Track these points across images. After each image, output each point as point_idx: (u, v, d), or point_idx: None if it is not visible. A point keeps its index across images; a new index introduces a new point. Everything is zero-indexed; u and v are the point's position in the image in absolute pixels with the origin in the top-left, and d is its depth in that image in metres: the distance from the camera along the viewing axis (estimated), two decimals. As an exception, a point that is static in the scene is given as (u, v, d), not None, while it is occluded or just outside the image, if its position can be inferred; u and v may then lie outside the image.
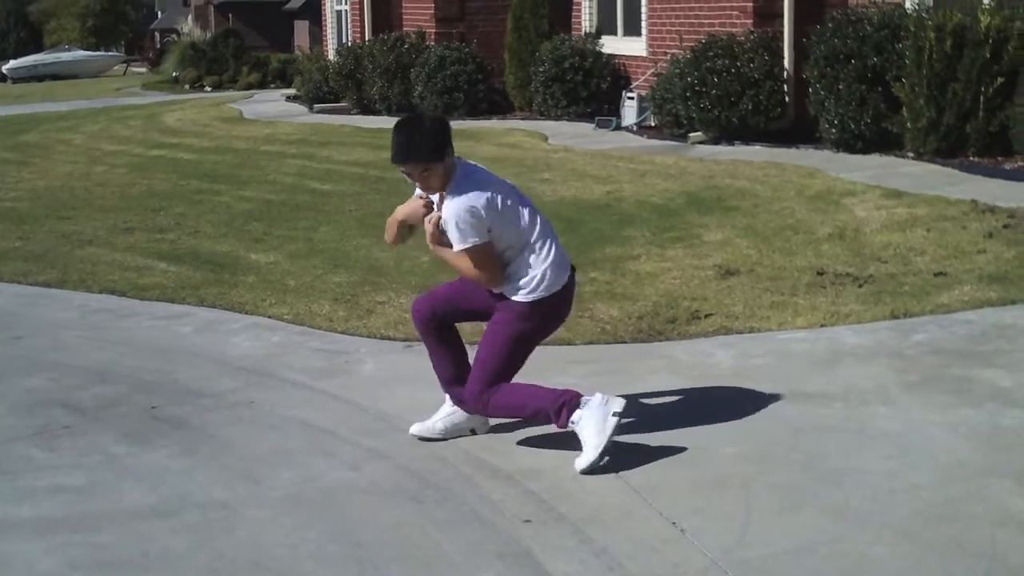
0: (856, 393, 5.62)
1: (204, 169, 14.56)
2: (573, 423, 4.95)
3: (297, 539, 4.37)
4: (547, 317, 5.19)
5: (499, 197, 5.05)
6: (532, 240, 5.10)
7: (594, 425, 4.90)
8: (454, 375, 5.35)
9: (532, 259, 5.08)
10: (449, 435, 5.29)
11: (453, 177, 5.06)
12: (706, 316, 7.10)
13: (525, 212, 5.12)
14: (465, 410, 5.28)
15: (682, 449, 5.06)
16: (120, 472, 5.07)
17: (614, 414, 4.91)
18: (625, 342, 6.76)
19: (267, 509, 4.65)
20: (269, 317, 7.59)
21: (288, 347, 6.93)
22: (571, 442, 4.99)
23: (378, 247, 9.43)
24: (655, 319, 7.12)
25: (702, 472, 4.83)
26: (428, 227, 5.16)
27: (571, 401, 4.97)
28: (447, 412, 5.36)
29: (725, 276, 7.94)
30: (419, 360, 5.80)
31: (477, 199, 5.00)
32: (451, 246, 5.08)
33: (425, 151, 4.97)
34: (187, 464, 5.15)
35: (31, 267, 9.30)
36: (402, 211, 5.28)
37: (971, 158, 11.25)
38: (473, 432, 5.32)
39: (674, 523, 4.38)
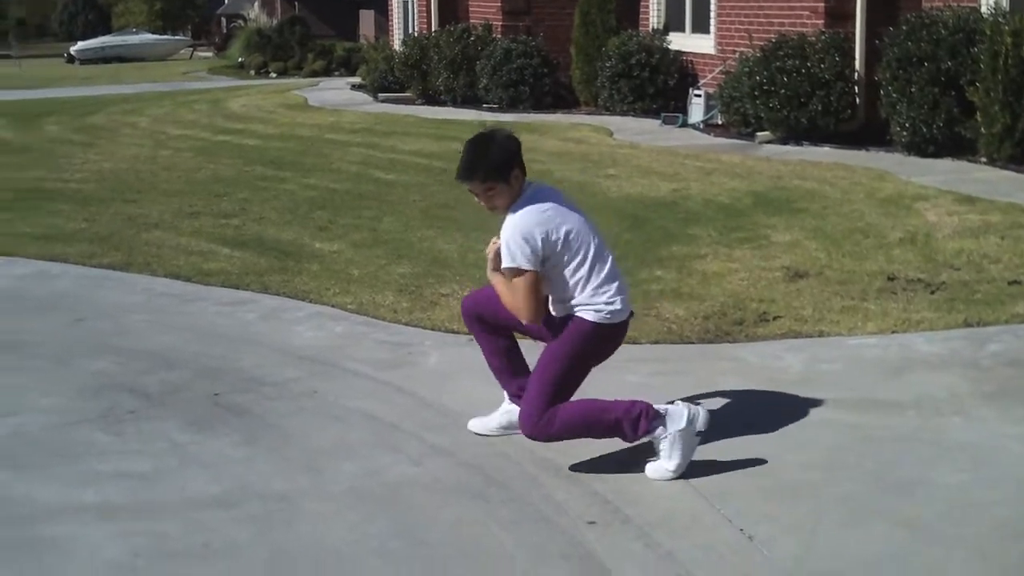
0: (929, 402, 5.50)
1: (269, 156, 14.59)
2: (655, 437, 4.81)
3: (359, 534, 4.33)
4: (605, 340, 4.96)
5: (564, 229, 4.81)
6: (601, 269, 4.88)
7: (682, 446, 4.77)
8: (506, 366, 5.24)
9: (602, 285, 4.86)
10: (508, 431, 5.21)
11: (520, 199, 4.91)
12: (774, 318, 6.99)
13: (593, 244, 4.89)
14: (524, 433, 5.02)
15: (751, 455, 4.96)
16: (184, 460, 5.05)
17: (698, 433, 4.82)
18: (692, 342, 6.67)
19: (329, 502, 4.61)
20: (333, 306, 7.56)
21: (352, 337, 6.90)
22: (633, 445, 4.93)
23: (442, 238, 9.39)
24: (722, 320, 7.03)
25: (771, 479, 4.74)
26: (490, 251, 5.01)
27: (648, 411, 4.80)
28: (505, 409, 5.29)
29: (793, 278, 7.83)
30: (477, 354, 5.73)
31: (536, 227, 4.79)
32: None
33: (489, 170, 4.84)
34: (249, 453, 5.12)
35: (96, 249, 9.33)
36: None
37: (1045, 165, 11.04)
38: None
39: (742, 530, 4.30)
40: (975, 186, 10.42)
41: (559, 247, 4.81)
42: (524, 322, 4.93)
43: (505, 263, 4.84)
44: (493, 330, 5.24)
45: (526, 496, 4.64)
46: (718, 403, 5.59)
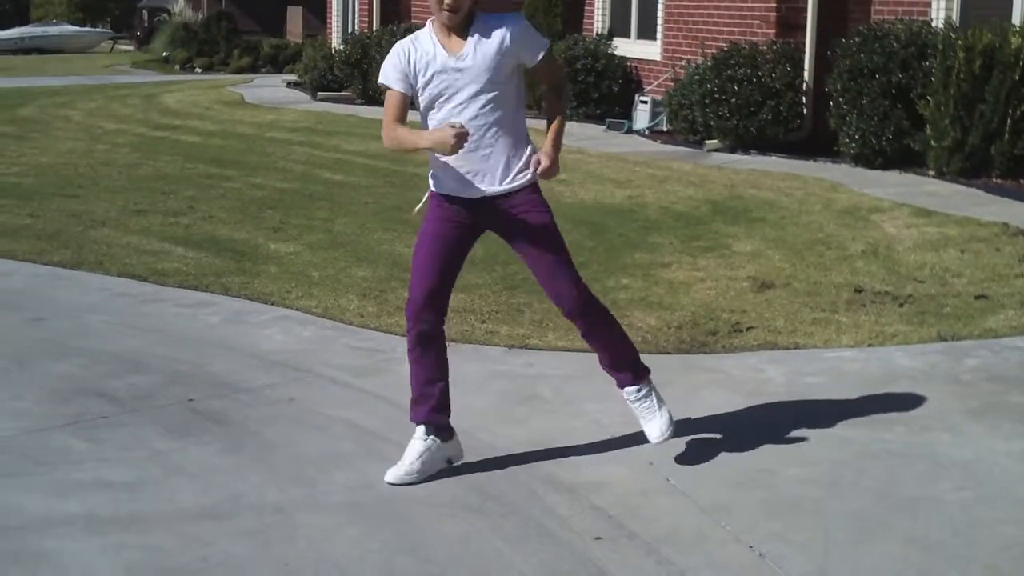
0: (918, 418, 5.48)
1: (210, 153, 14.35)
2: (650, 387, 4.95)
3: (362, 550, 4.19)
4: None
5: None
6: None
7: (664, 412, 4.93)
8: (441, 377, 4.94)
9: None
10: (427, 472, 4.77)
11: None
12: (748, 329, 6.96)
13: None
14: (582, 326, 4.87)
15: (748, 468, 4.90)
16: (168, 468, 4.88)
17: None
18: (668, 352, 6.61)
19: (326, 515, 4.47)
20: (297, 310, 7.40)
21: (322, 342, 6.75)
22: (628, 458, 4.93)
23: (400, 241, 9.25)
24: (695, 330, 6.98)
25: (771, 494, 4.68)
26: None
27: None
28: (421, 448, 4.81)
29: (761, 289, 7.80)
30: (459, 362, 5.61)
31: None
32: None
33: None
34: (235, 462, 4.96)
35: (45, 246, 9.08)
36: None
37: (995, 180, 11.14)
38: (450, 462, 4.87)
39: (751, 547, 4.23)
40: (928, 199, 10.49)
41: None
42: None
43: (544, 47, 4.84)
44: (442, 345, 4.93)
45: (527, 510, 4.53)
46: (710, 417, 5.52)
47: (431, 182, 4.83)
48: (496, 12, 4.73)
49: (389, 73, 4.68)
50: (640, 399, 4.94)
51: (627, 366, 4.97)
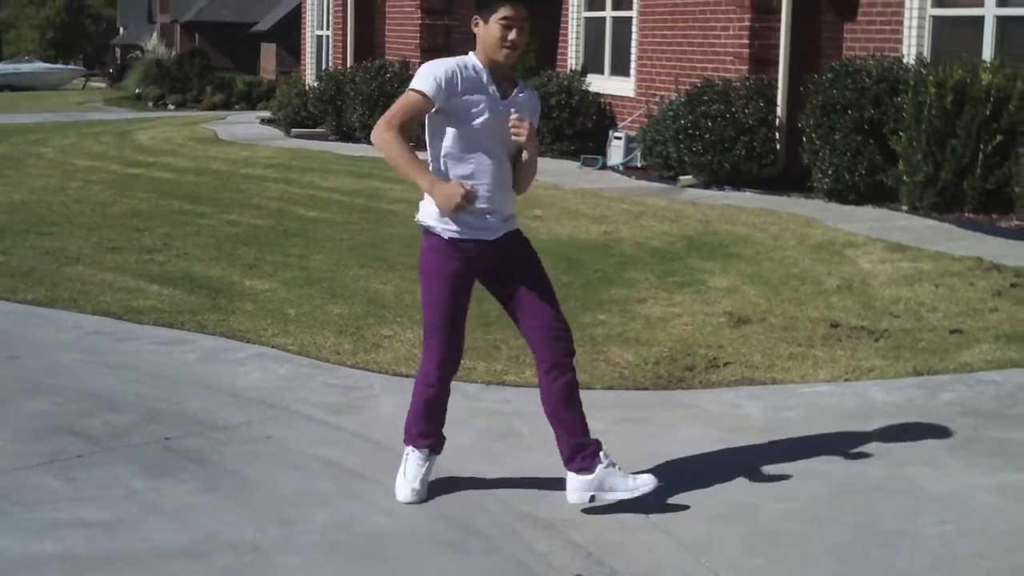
0: (896, 452, 5.49)
1: (184, 190, 14.31)
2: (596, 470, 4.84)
3: (342, 588, 4.17)
4: None
5: None
6: None
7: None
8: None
9: None
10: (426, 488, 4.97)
11: None
12: (725, 364, 6.97)
13: None
14: (561, 370, 4.81)
15: (726, 504, 4.90)
16: (144, 508, 4.83)
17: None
18: (646, 388, 6.61)
19: (304, 554, 4.43)
20: (273, 347, 7.36)
21: (298, 380, 6.72)
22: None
23: (375, 278, 9.24)
24: (673, 365, 6.98)
25: (751, 529, 4.67)
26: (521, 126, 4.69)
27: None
28: (423, 467, 4.99)
29: (737, 324, 7.82)
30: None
31: None
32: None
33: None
34: (211, 501, 4.92)
35: (18, 284, 9.02)
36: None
37: (967, 215, 11.22)
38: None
39: (733, 584, 4.22)
40: (902, 234, 10.55)
41: None
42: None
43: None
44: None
45: (507, 547, 4.51)
46: (684, 451, 5.52)
47: (439, 226, 4.74)
48: None
49: (427, 77, 4.62)
50: (610, 461, 4.86)
51: (589, 441, 4.87)
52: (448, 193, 4.57)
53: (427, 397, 4.92)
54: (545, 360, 4.82)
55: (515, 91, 4.78)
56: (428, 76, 4.62)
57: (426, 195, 4.71)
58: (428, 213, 4.76)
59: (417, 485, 4.92)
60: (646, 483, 4.81)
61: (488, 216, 4.73)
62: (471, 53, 4.77)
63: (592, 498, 4.82)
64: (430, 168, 4.73)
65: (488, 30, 4.67)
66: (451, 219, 4.69)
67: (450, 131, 4.69)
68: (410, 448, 5.00)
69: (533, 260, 4.87)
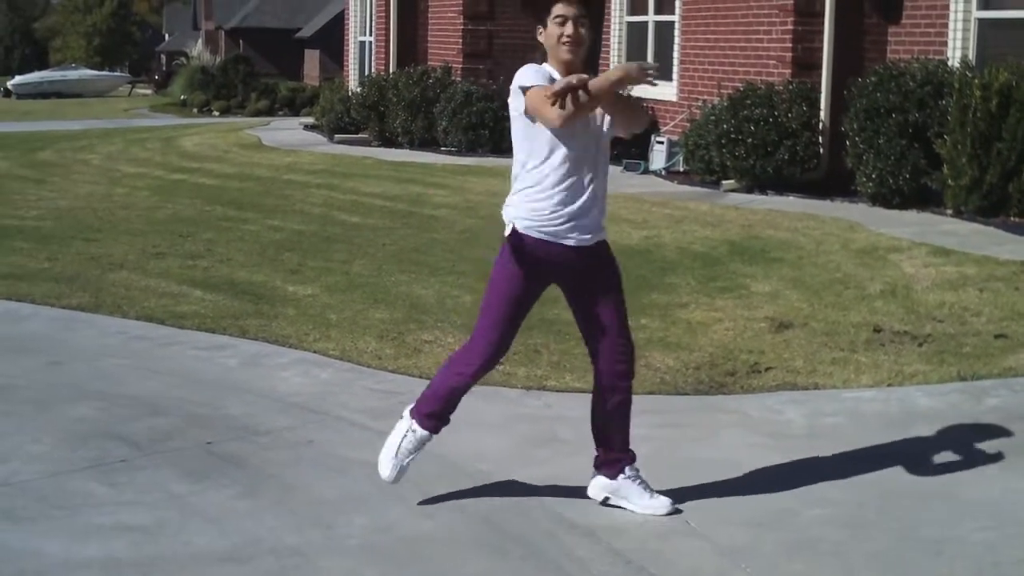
0: (939, 458, 5.45)
1: (228, 196, 14.41)
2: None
3: (381, 592, 4.18)
4: None
5: None
6: None
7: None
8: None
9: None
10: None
11: None
12: (766, 369, 6.94)
13: None
14: (618, 391, 4.89)
15: (768, 511, 4.88)
16: (185, 512, 4.87)
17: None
18: (687, 394, 6.60)
19: (345, 558, 4.45)
20: (315, 352, 7.40)
21: (339, 385, 6.75)
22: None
23: (417, 283, 9.26)
24: (714, 371, 6.96)
25: (792, 535, 4.65)
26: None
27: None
28: (417, 449, 5.02)
29: (779, 329, 7.78)
30: (479, 404, 5.63)
31: None
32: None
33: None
34: (252, 506, 4.95)
35: (63, 289, 9.11)
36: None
37: (1012, 218, 11.11)
38: None
39: (773, 591, 4.20)
40: (946, 238, 10.46)
41: None
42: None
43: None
44: None
45: (546, 552, 4.51)
46: (725, 456, 5.50)
47: (523, 224, 4.72)
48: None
49: (532, 79, 4.56)
50: (637, 475, 4.92)
51: (623, 457, 4.94)
52: (624, 67, 4.52)
53: (455, 384, 4.88)
54: (605, 378, 4.88)
55: None
56: (528, 75, 4.59)
57: (515, 197, 4.73)
58: (520, 214, 4.74)
59: (405, 464, 4.93)
60: (660, 507, 4.87)
61: (576, 222, 4.68)
62: (545, 64, 4.73)
63: (607, 499, 4.93)
64: (518, 170, 4.73)
65: (548, 33, 4.68)
66: (529, 220, 4.68)
67: (543, 136, 4.65)
68: (414, 425, 4.96)
69: (613, 275, 4.85)
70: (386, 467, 4.93)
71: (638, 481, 4.89)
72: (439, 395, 4.94)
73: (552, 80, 4.57)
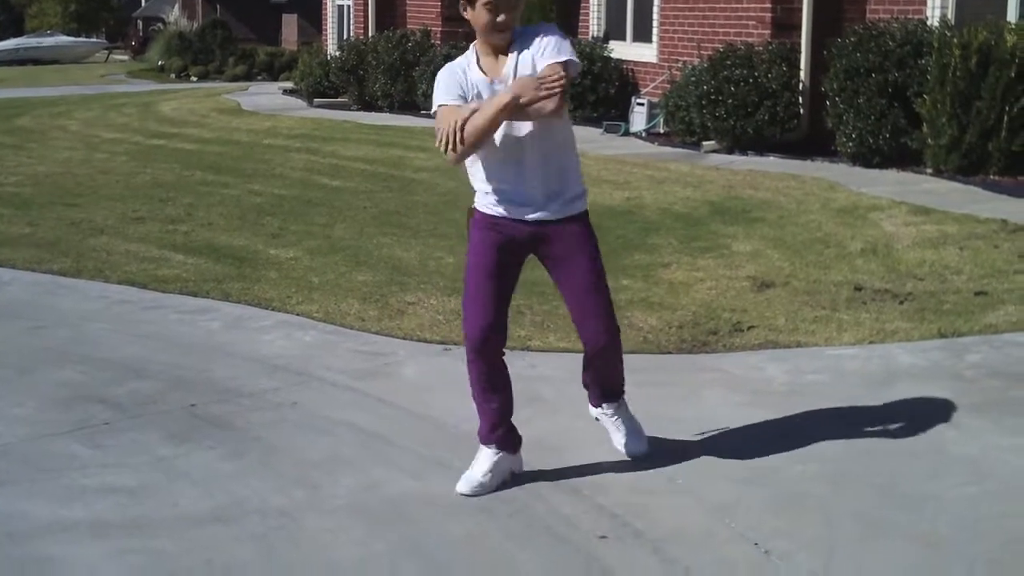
0: (920, 414, 5.48)
1: (207, 160, 14.35)
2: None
3: (367, 552, 4.19)
4: None
5: None
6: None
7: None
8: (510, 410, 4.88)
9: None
10: (495, 484, 4.71)
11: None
12: (748, 328, 6.96)
13: None
14: (597, 355, 4.78)
15: (752, 466, 4.90)
16: (170, 473, 4.87)
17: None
18: (670, 352, 6.62)
19: (330, 518, 4.47)
20: (298, 315, 7.40)
21: (323, 347, 6.75)
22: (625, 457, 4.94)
23: (399, 246, 9.25)
24: (696, 329, 6.98)
25: (776, 492, 4.68)
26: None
27: None
28: (488, 463, 4.76)
29: (761, 288, 7.81)
30: (459, 365, 5.60)
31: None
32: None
33: None
34: (238, 467, 4.96)
35: (44, 255, 9.08)
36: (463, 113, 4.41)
37: (992, 177, 11.14)
38: (512, 474, 4.80)
39: (757, 544, 4.23)
40: (926, 197, 10.49)
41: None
42: (554, 107, 4.35)
43: (561, 56, 4.39)
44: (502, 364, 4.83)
45: (532, 510, 4.53)
46: (708, 414, 5.52)
47: (476, 201, 4.68)
48: None
49: (444, 92, 4.47)
50: (613, 415, 4.97)
51: (613, 388, 4.96)
52: (520, 84, 4.38)
53: (471, 374, 4.76)
54: (585, 347, 4.84)
55: (509, 63, 4.48)
56: (440, 91, 4.49)
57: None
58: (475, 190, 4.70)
59: (480, 479, 4.72)
60: (633, 448, 4.98)
61: (515, 200, 4.57)
62: (472, 46, 4.61)
63: (597, 418, 5.06)
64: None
65: (476, 15, 4.45)
66: (491, 204, 4.62)
67: None
68: (481, 445, 4.82)
69: (582, 250, 4.67)
70: (461, 482, 4.73)
71: (619, 419, 4.97)
72: (475, 397, 4.80)
73: (467, 82, 4.47)
